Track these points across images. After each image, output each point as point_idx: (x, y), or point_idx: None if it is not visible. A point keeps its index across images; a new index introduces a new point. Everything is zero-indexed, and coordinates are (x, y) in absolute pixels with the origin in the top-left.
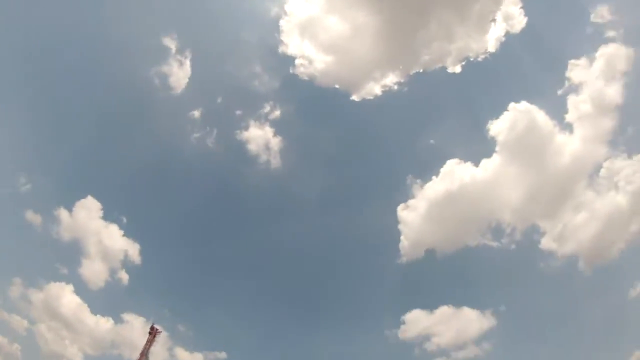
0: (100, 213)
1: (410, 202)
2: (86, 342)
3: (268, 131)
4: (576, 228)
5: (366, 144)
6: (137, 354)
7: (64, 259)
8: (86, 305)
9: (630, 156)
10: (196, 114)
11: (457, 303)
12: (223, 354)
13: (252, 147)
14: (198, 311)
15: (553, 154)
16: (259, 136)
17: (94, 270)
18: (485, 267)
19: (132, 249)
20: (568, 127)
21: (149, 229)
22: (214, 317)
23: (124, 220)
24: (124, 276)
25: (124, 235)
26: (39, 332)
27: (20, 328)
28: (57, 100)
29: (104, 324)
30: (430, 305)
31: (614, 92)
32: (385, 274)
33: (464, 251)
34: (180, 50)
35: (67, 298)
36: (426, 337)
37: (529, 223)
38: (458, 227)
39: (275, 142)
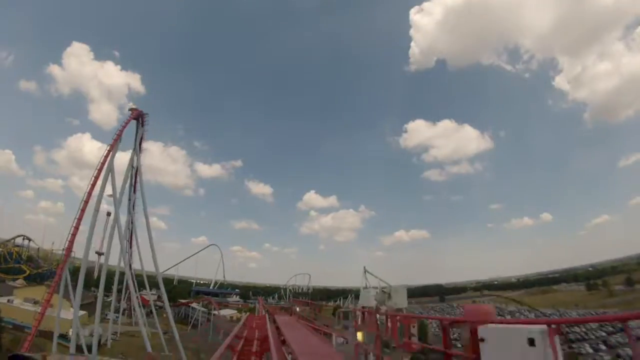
0: (91, 55)
1: (425, 5)
2: (116, 177)
3: None
4: (594, 76)
5: None
6: (161, 177)
7: (72, 111)
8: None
9: None
10: None
11: (460, 119)
12: (239, 162)
13: None
14: (211, 126)
15: None
16: None
17: (104, 112)
18: (493, 88)
19: (134, 80)
20: None
21: (144, 56)
22: (227, 131)
23: (117, 54)
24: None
25: (121, 70)
26: (73, 184)
27: (56, 187)
28: None
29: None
30: (433, 117)
31: None
32: (392, 80)
33: (476, 68)
34: None
35: (87, 146)
36: (425, 148)
37: (549, 55)
38: (474, 40)
39: None
